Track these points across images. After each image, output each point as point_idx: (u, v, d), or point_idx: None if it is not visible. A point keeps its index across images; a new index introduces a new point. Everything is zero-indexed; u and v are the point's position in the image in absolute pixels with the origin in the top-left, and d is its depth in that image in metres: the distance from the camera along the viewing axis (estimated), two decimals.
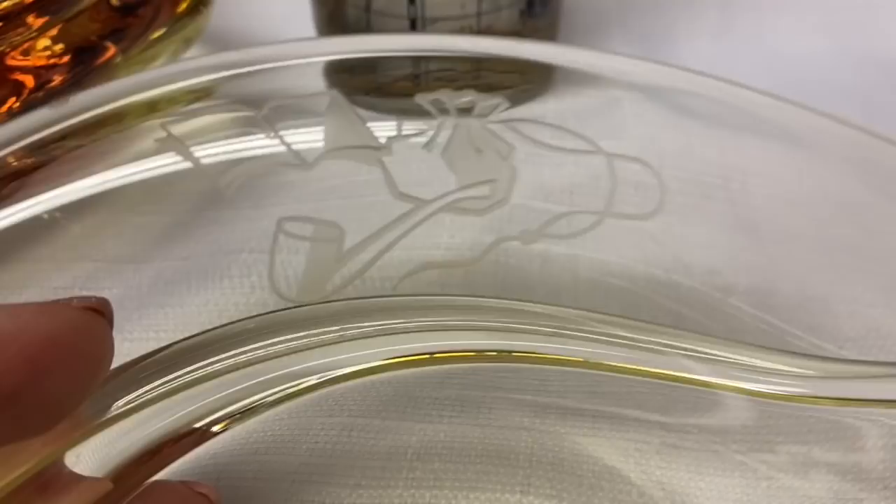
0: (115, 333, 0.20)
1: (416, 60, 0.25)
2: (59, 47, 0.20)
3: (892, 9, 0.33)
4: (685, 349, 0.17)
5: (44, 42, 0.20)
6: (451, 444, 0.19)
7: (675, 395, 0.19)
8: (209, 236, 0.21)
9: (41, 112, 0.15)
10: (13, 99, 0.20)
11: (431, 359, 0.17)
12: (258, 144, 0.15)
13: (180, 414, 0.16)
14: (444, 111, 0.15)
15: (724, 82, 0.18)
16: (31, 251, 0.21)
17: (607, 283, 0.19)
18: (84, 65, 0.21)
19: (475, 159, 0.15)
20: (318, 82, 0.16)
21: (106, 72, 0.21)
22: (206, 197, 0.22)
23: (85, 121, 0.15)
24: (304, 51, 0.15)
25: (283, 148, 0.15)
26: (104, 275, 0.21)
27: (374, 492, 0.18)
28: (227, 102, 0.15)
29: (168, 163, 0.21)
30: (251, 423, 0.18)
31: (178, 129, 0.15)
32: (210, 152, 0.15)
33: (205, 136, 0.15)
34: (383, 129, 0.15)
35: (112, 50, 0.21)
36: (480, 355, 0.17)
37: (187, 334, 0.20)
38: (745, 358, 0.17)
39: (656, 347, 0.17)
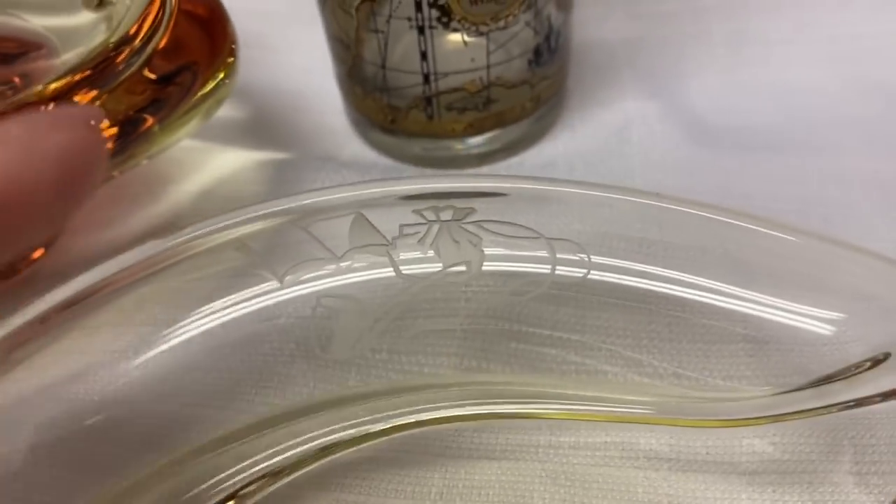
0: (168, 395, 0.23)
1: (427, 91, 0.28)
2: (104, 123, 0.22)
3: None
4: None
5: None
6: (470, 480, 0.21)
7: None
8: (245, 308, 0.23)
9: (152, 244, 0.21)
10: None
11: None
12: (299, 240, 0.21)
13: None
14: (432, 219, 0.20)
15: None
16: (94, 318, 0.23)
17: None
18: (126, 136, 0.22)
19: (454, 248, 0.20)
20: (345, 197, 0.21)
21: (146, 139, 0.23)
22: (244, 267, 0.23)
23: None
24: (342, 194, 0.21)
25: (319, 246, 0.21)
26: (154, 338, 0.23)
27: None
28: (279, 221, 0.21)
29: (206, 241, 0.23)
30: None
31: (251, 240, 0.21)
32: (273, 256, 0.21)
33: (266, 244, 0.21)
34: (390, 232, 0.20)
35: (151, 120, 0.23)
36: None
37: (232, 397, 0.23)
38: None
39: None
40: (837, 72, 0.33)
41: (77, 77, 0.21)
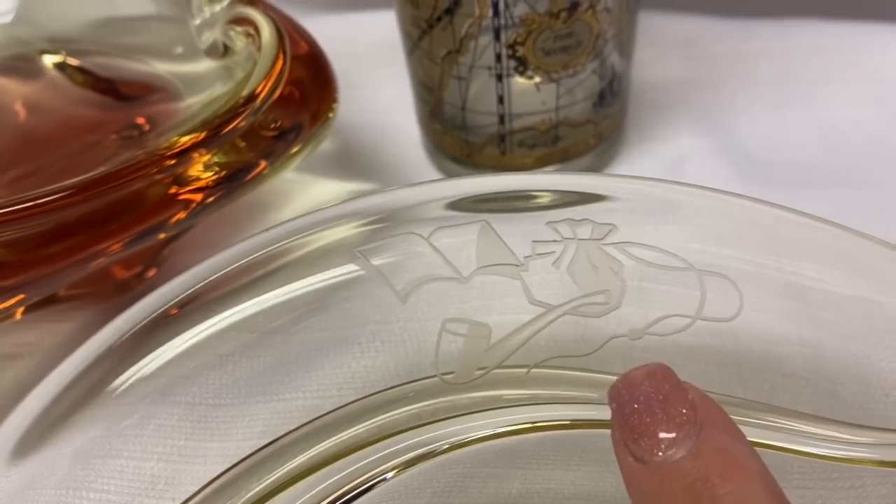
0: (269, 395, 0.26)
1: (501, 130, 0.30)
2: (223, 173, 0.25)
3: None
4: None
5: (211, 169, 0.25)
6: (547, 485, 0.23)
7: None
8: (341, 311, 0.26)
9: (260, 236, 0.22)
10: (182, 212, 0.25)
11: (534, 427, 0.21)
12: (427, 262, 0.20)
13: (340, 476, 0.21)
14: (568, 236, 0.19)
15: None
16: (199, 323, 0.26)
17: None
18: (239, 180, 0.25)
19: (593, 274, 0.19)
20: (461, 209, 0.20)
21: (256, 181, 0.26)
22: (339, 279, 0.26)
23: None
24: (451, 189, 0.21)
25: (447, 265, 0.19)
26: (258, 344, 0.26)
27: None
28: (401, 229, 0.20)
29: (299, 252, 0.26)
30: None
31: (369, 251, 0.20)
32: (393, 268, 0.20)
33: (387, 255, 0.20)
34: (522, 250, 0.19)
35: (263, 164, 0.26)
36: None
37: (328, 393, 0.25)
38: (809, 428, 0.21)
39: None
40: (879, 111, 0.35)
41: (205, 133, 0.24)
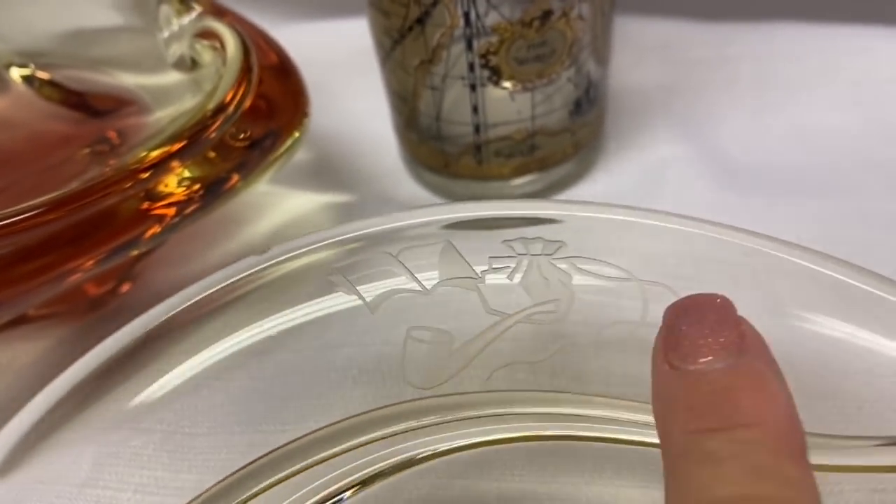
0: (246, 424, 0.25)
1: (477, 140, 0.30)
2: (196, 187, 0.24)
3: None
4: None
5: (184, 182, 0.24)
6: (520, 500, 0.23)
7: None
8: (315, 333, 0.26)
9: (248, 260, 0.23)
10: (156, 227, 0.25)
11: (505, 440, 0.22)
12: (395, 275, 0.22)
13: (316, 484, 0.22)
14: (521, 252, 0.21)
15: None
16: (175, 346, 0.25)
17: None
18: (214, 193, 0.25)
19: (544, 285, 0.20)
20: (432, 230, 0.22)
21: (230, 194, 0.26)
22: (311, 298, 0.26)
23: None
24: (421, 216, 0.23)
25: (411, 280, 0.21)
26: (233, 365, 0.26)
27: None
28: (370, 246, 0.22)
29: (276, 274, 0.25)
30: None
31: (344, 268, 0.22)
32: (365, 286, 0.22)
33: (360, 273, 0.22)
34: (479, 265, 0.21)
35: (236, 178, 0.25)
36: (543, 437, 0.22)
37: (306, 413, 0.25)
38: None
39: None
40: (860, 115, 0.35)
41: (176, 146, 0.24)
